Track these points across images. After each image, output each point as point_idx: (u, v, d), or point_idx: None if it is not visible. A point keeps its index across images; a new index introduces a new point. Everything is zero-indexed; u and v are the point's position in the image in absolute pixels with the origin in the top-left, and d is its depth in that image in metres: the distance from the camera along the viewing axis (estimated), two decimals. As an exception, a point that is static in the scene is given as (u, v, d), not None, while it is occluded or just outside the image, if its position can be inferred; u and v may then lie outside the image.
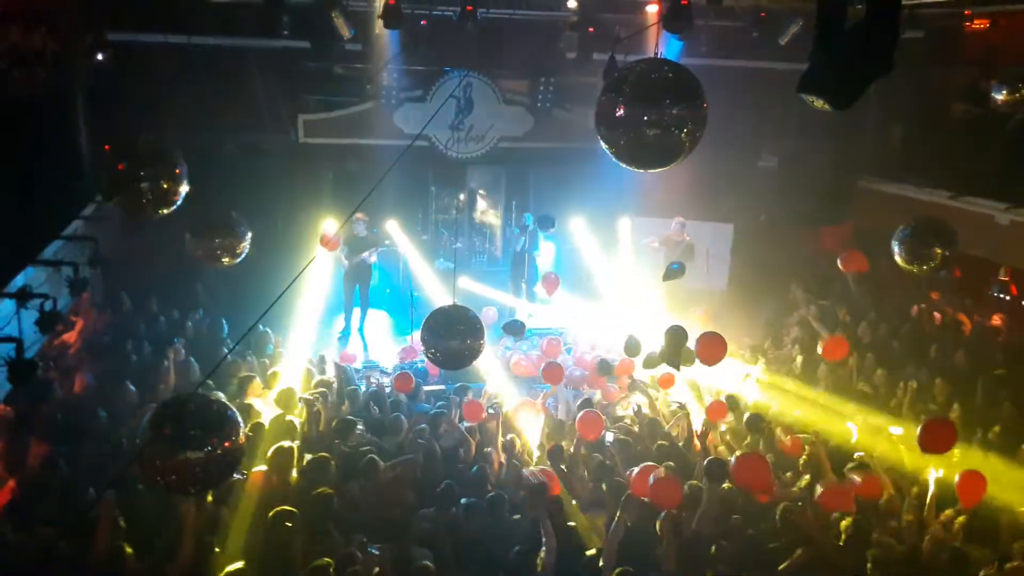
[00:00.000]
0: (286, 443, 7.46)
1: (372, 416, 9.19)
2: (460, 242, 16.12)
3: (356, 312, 14.08)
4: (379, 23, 12.19)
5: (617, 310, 13.73)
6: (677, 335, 8.60)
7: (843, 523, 6.95)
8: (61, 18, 11.02)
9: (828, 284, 13.96)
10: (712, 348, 8.57)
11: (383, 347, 13.55)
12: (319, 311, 13.16)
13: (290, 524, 6.22)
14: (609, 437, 8.74)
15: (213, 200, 9.09)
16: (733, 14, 12.85)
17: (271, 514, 6.33)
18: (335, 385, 9.82)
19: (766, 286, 14.42)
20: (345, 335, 13.83)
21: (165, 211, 6.89)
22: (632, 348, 9.92)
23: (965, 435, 8.82)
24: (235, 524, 6.60)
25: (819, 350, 10.56)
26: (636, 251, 15.07)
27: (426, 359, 8.01)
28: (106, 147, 7.01)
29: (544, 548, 6.36)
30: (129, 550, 5.83)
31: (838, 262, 10.97)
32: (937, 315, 12.61)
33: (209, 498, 6.49)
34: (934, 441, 7.09)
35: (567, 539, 6.68)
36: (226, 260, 7.94)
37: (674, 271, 11.42)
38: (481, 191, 16.53)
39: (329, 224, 12.81)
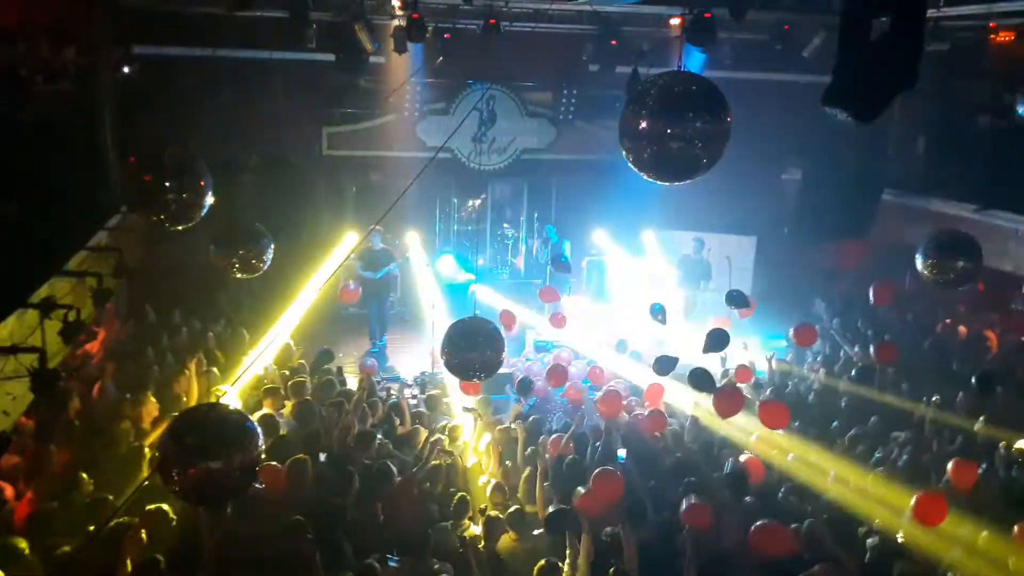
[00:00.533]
0: (301, 456, 7.49)
1: (392, 428, 9.20)
2: (482, 254, 16.14)
3: (379, 324, 14.08)
4: (393, 42, 12.32)
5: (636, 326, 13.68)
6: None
7: (868, 540, 6.86)
8: (89, 32, 11.16)
9: (851, 298, 13.87)
10: (728, 405, 8.42)
11: (403, 358, 13.55)
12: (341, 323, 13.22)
13: (309, 535, 6.22)
14: (622, 452, 8.70)
15: (237, 211, 9.17)
16: (756, 27, 12.82)
17: (285, 525, 6.35)
18: (356, 396, 9.82)
19: (789, 299, 14.32)
20: (373, 348, 13.84)
21: (188, 224, 6.94)
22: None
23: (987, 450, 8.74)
24: (252, 535, 6.61)
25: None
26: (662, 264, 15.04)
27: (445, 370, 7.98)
28: (131, 159, 7.07)
29: (568, 563, 6.32)
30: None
31: (870, 295, 10.86)
32: (962, 329, 12.48)
33: (228, 509, 6.50)
34: (927, 513, 6.88)
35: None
36: (249, 271, 7.99)
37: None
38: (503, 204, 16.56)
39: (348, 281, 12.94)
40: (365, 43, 12.30)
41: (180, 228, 7.04)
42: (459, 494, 7.44)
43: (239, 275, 8.03)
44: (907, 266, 8.84)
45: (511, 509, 7.21)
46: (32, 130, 9.30)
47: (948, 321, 12.66)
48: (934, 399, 9.64)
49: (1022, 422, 9.14)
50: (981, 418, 9.22)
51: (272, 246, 8.03)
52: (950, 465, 7.62)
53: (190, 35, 12.35)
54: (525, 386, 10.12)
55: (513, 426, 8.94)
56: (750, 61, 14.03)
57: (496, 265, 16.61)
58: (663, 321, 10.83)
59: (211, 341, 11.11)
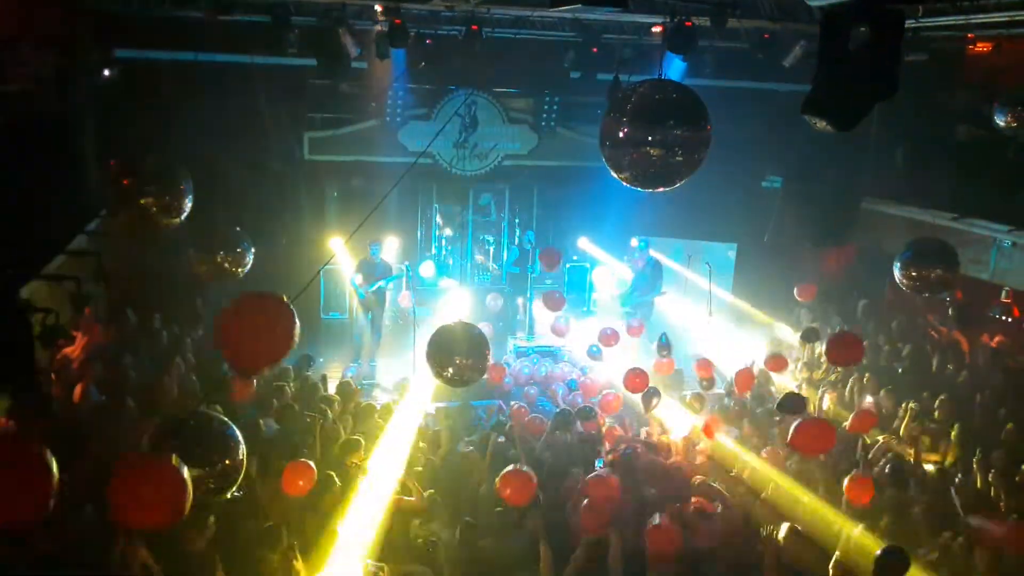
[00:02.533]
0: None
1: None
2: (463, 259, 16.16)
3: (367, 337, 13.86)
4: (375, 48, 12.29)
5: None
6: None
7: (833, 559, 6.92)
8: (70, 35, 11.08)
9: (830, 306, 13.95)
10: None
11: (387, 364, 13.51)
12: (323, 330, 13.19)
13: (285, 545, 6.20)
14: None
15: (218, 216, 9.13)
16: (737, 36, 12.89)
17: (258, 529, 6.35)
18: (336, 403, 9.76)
19: (769, 307, 14.38)
20: (356, 359, 13.65)
21: (167, 228, 6.91)
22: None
23: (966, 455, 8.82)
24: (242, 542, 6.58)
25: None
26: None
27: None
28: (111, 163, 7.03)
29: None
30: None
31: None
32: (934, 334, 12.60)
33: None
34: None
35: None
36: (228, 276, 7.96)
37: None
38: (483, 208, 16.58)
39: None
40: (348, 48, 12.27)
41: (160, 232, 7.02)
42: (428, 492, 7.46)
43: (227, 277, 7.99)
44: (886, 274, 8.89)
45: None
46: (11, 133, 9.23)
47: (930, 330, 12.77)
48: (910, 404, 9.71)
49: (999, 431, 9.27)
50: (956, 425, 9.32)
51: (252, 251, 8.00)
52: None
53: (171, 39, 12.28)
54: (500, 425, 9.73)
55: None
56: (731, 70, 14.09)
57: (477, 270, 16.60)
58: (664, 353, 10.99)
59: (189, 347, 11.02)
